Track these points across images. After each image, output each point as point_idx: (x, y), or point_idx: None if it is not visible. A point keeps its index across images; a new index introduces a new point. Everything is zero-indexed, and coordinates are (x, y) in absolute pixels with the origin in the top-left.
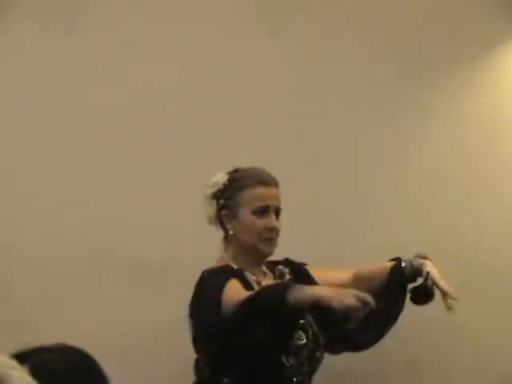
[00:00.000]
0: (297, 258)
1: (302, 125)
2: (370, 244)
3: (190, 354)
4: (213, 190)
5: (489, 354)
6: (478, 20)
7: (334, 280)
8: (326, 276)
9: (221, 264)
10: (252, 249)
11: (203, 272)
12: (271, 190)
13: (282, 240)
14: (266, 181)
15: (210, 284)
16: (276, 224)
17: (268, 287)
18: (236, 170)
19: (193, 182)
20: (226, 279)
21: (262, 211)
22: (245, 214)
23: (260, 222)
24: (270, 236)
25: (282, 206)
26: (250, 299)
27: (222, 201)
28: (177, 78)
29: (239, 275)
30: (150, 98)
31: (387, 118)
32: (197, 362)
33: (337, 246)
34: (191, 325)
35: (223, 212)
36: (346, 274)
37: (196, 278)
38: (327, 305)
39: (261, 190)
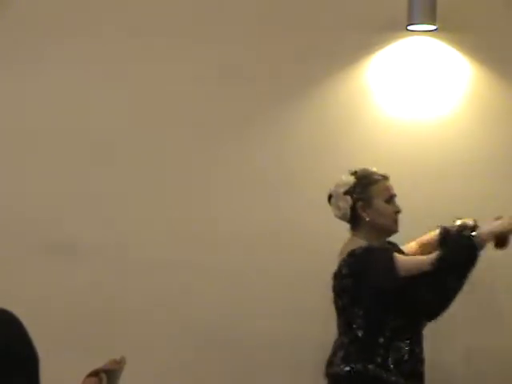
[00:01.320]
0: None
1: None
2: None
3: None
4: (345, 188)
5: None
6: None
7: (408, 252)
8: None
9: (358, 245)
10: (386, 229)
11: (353, 251)
12: (390, 183)
13: None
14: (386, 176)
15: (376, 256)
16: (400, 209)
17: (452, 242)
18: (355, 172)
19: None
20: (391, 252)
21: (391, 200)
22: (379, 203)
23: (391, 208)
24: (398, 218)
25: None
26: (444, 254)
27: (355, 195)
28: None
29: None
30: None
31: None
32: (349, 323)
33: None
34: (356, 291)
35: (359, 203)
36: (413, 246)
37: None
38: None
39: (387, 183)
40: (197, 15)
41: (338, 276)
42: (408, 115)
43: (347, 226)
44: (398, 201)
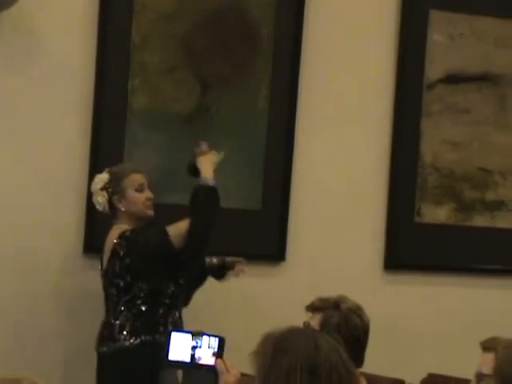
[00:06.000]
0: None
1: None
2: None
3: None
4: (101, 184)
5: None
6: None
7: None
8: None
9: (123, 229)
10: (141, 215)
11: (123, 233)
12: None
13: None
14: (137, 169)
15: (147, 230)
16: (152, 195)
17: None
18: (110, 169)
19: None
20: (159, 224)
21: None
22: (131, 193)
23: (143, 196)
24: (151, 203)
25: None
26: (196, 220)
27: (110, 189)
28: None
29: None
30: None
31: None
32: (132, 299)
33: None
34: (137, 267)
35: (114, 197)
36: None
37: None
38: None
39: (137, 175)
40: None
41: (115, 259)
42: None
43: None
44: None
